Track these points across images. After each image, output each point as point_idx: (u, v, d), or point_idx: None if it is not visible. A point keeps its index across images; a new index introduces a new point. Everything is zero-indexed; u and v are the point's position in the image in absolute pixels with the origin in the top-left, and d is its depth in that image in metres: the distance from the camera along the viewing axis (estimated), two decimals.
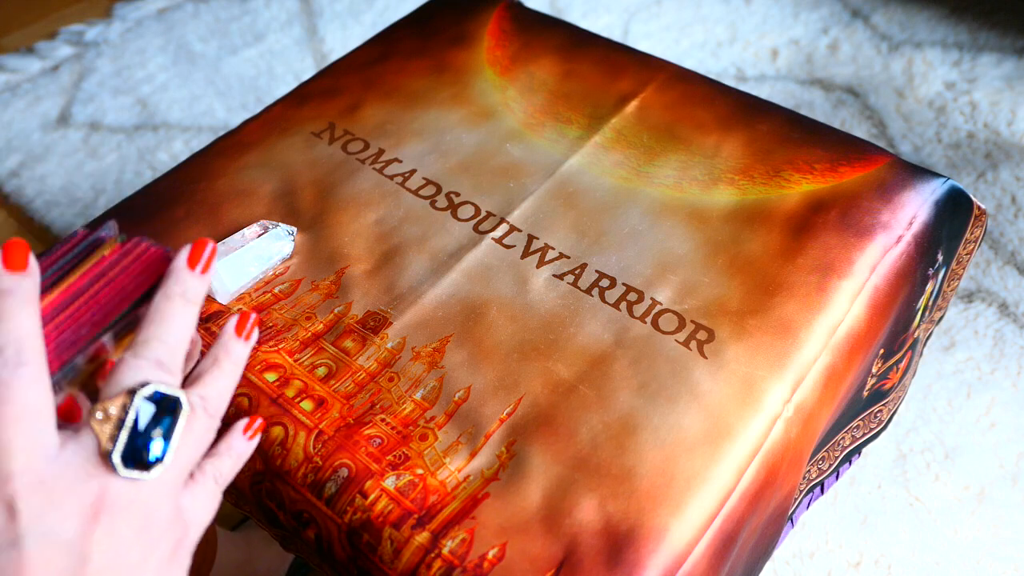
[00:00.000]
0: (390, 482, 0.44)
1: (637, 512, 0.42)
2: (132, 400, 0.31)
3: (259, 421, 0.40)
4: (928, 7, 1.35)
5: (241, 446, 0.39)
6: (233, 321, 0.37)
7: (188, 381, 0.35)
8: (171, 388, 0.32)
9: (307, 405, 0.48)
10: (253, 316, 0.38)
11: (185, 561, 0.34)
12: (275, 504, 0.47)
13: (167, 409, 0.32)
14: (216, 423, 0.35)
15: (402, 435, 0.46)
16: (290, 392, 0.48)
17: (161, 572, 0.32)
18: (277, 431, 0.47)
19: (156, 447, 0.31)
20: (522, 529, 0.42)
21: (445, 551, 0.41)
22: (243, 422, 0.39)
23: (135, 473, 0.31)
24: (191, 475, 0.35)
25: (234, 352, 0.37)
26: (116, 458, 0.30)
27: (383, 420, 0.47)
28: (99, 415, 0.31)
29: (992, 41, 1.28)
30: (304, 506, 0.45)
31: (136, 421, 0.31)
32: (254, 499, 0.48)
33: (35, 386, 0.29)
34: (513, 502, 0.43)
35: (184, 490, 0.34)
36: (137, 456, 0.31)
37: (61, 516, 0.29)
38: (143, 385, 0.31)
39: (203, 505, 0.35)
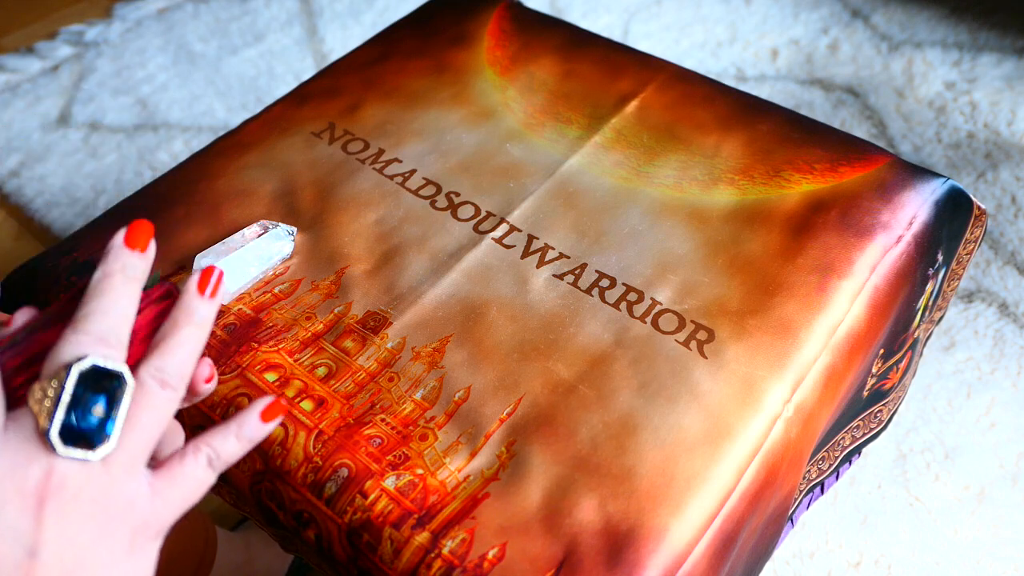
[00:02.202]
0: (390, 482, 0.44)
1: (637, 512, 0.42)
2: (67, 374, 0.29)
3: (280, 405, 0.36)
4: (928, 7, 1.35)
5: (253, 430, 0.35)
6: (195, 278, 0.34)
7: (147, 350, 0.33)
8: (111, 362, 0.30)
9: (307, 405, 0.48)
10: (217, 271, 0.34)
11: (151, 549, 0.31)
12: (275, 504, 0.47)
13: (107, 384, 0.30)
14: (178, 395, 0.32)
15: (402, 435, 0.46)
16: (290, 392, 0.48)
17: (120, 561, 0.29)
18: (277, 431, 0.47)
19: (98, 421, 0.29)
20: (522, 529, 0.42)
21: (445, 551, 0.41)
22: (262, 403, 0.35)
23: (77, 452, 0.28)
24: (178, 453, 0.33)
25: (197, 312, 0.33)
26: (54, 435, 0.28)
27: (383, 420, 0.47)
28: (37, 394, 0.29)
29: (992, 41, 1.28)
30: (304, 506, 0.45)
31: (73, 397, 0.29)
32: (254, 499, 0.48)
33: None
34: (513, 502, 0.43)
35: (160, 470, 0.32)
36: (77, 434, 0.28)
37: (1, 503, 0.27)
38: (79, 359, 0.29)
39: (184, 488, 0.32)
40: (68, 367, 0.29)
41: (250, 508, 0.49)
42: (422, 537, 0.42)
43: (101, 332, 0.30)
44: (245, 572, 0.71)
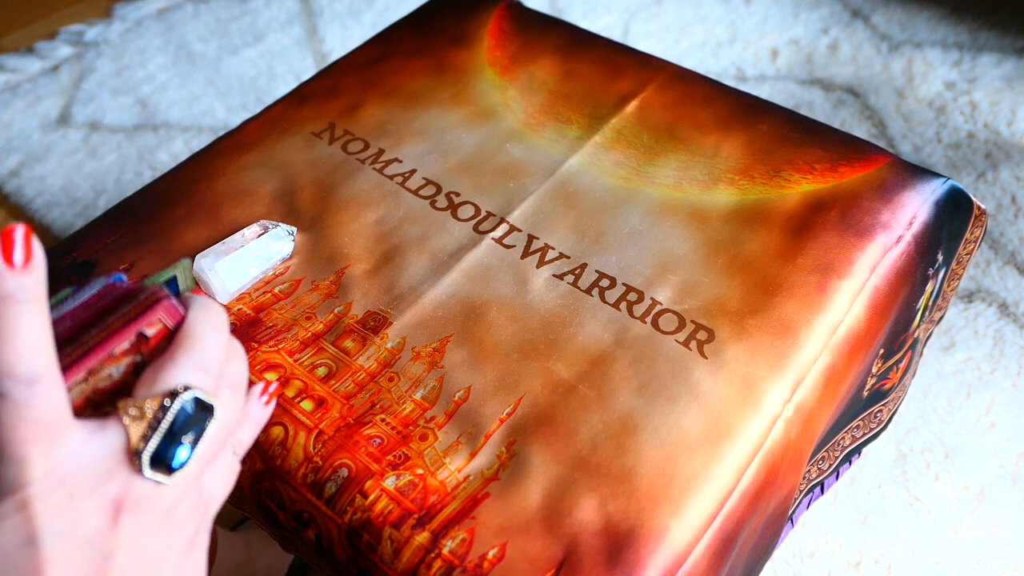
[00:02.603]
0: (390, 482, 0.44)
1: (637, 512, 0.42)
2: (172, 403, 0.30)
3: (275, 385, 0.39)
4: (928, 7, 1.35)
5: (259, 412, 0.38)
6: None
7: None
8: (209, 395, 0.32)
9: (307, 405, 0.48)
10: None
11: (204, 541, 0.33)
12: (275, 504, 0.47)
13: (200, 417, 0.31)
14: (241, 399, 0.35)
15: (402, 435, 0.46)
16: (290, 392, 0.48)
17: (182, 559, 0.32)
18: (277, 431, 0.47)
19: (182, 453, 0.31)
20: (522, 529, 0.42)
21: (445, 551, 0.41)
22: (259, 387, 0.38)
23: (159, 476, 0.30)
24: None
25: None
26: (145, 459, 0.30)
27: (383, 420, 0.47)
28: (133, 411, 0.30)
29: (992, 41, 1.28)
30: (304, 506, 0.45)
31: (172, 424, 0.30)
32: (254, 499, 0.48)
33: (51, 396, 0.28)
34: (513, 502, 0.43)
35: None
36: (163, 459, 0.30)
37: (82, 513, 0.28)
38: (185, 389, 0.31)
39: (222, 479, 0.35)
40: (173, 395, 0.30)
41: (250, 508, 0.49)
42: (422, 537, 0.42)
43: (203, 362, 0.32)
44: (245, 572, 0.71)
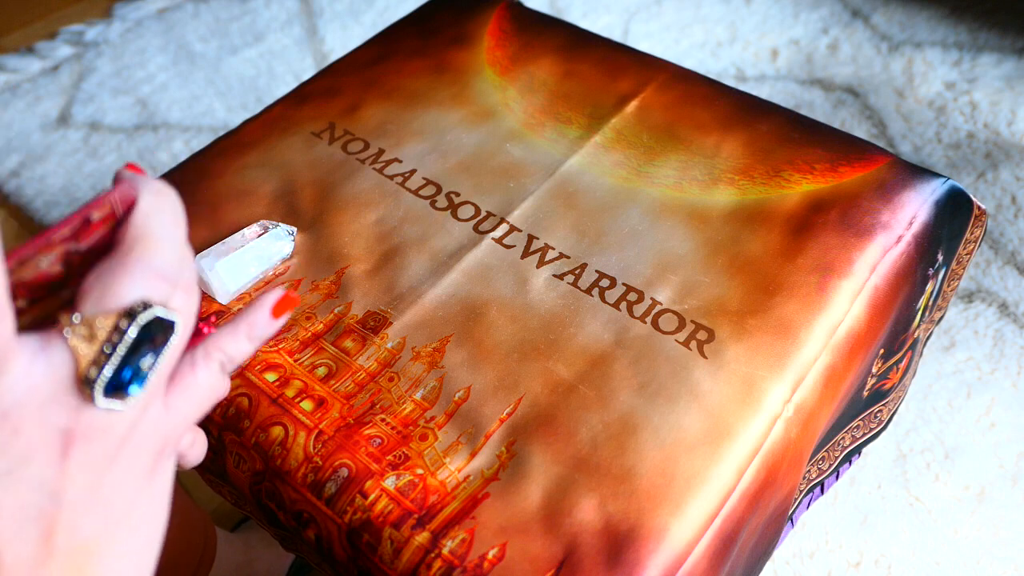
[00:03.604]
0: (390, 482, 0.44)
1: (637, 512, 0.42)
2: (129, 325, 0.25)
3: (291, 298, 0.33)
4: (928, 7, 1.35)
5: (264, 328, 0.32)
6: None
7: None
8: (170, 311, 0.26)
9: (307, 405, 0.48)
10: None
11: (168, 467, 0.29)
12: (275, 504, 0.47)
13: (160, 335, 0.26)
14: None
15: (402, 435, 0.46)
16: (290, 392, 0.48)
17: (141, 490, 0.28)
18: (277, 431, 0.47)
19: (140, 378, 0.26)
20: (522, 529, 0.42)
21: (445, 551, 0.41)
22: (272, 297, 0.32)
23: (114, 404, 0.26)
24: (188, 362, 0.30)
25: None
26: (99, 388, 0.25)
27: (383, 420, 0.47)
28: (82, 331, 0.25)
29: (992, 41, 1.28)
30: (304, 506, 0.45)
31: (129, 349, 0.25)
32: (254, 499, 0.48)
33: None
34: (513, 502, 0.43)
35: (172, 384, 0.29)
36: (118, 386, 0.25)
37: (26, 450, 0.24)
38: (144, 307, 0.25)
39: (199, 399, 0.30)
40: (130, 315, 0.25)
41: (250, 508, 0.49)
42: (422, 537, 0.42)
43: (161, 267, 0.27)
44: (245, 572, 0.71)
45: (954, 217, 0.58)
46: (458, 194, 0.59)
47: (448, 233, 0.56)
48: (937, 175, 0.58)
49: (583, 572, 0.40)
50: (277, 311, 0.33)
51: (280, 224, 0.56)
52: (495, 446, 0.45)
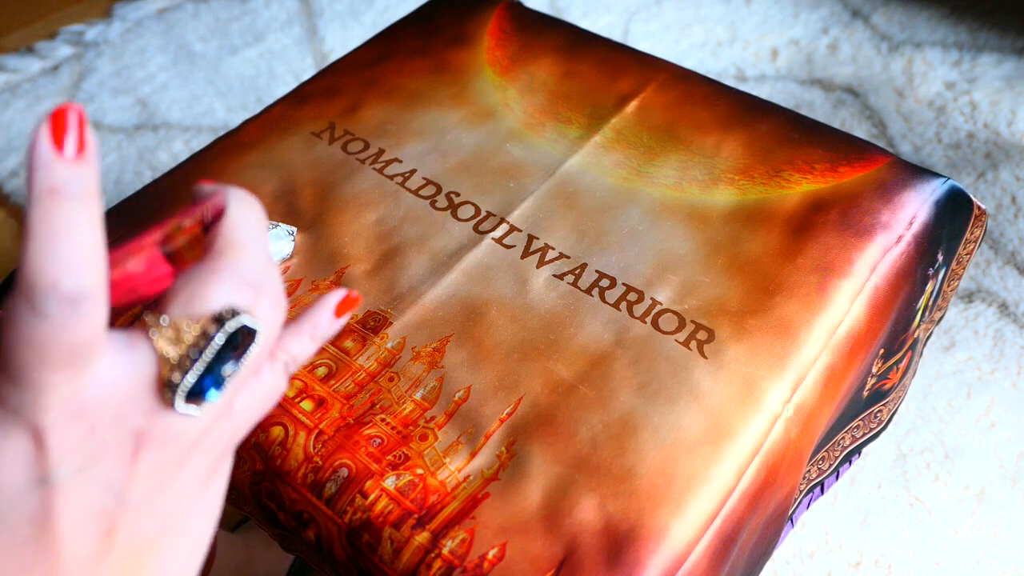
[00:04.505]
0: (390, 482, 0.44)
1: (637, 512, 0.42)
2: (217, 332, 0.25)
3: (352, 299, 0.33)
4: (928, 7, 1.35)
5: (327, 328, 0.32)
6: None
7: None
8: (255, 319, 0.26)
9: (307, 405, 0.48)
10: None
11: (226, 467, 0.29)
12: (275, 504, 0.47)
13: (244, 343, 0.26)
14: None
15: (402, 435, 0.46)
16: (290, 392, 0.48)
17: (201, 488, 0.28)
18: (277, 431, 0.47)
19: (220, 386, 0.26)
20: (522, 529, 0.42)
21: (445, 551, 0.41)
22: (335, 297, 0.33)
23: (191, 409, 0.25)
24: None
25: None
26: (179, 395, 0.25)
27: (383, 420, 0.47)
28: (169, 333, 0.24)
29: (992, 41, 1.28)
30: (304, 506, 0.45)
31: (215, 357, 0.25)
32: (254, 499, 0.48)
33: (95, 318, 0.22)
34: (513, 502, 0.43)
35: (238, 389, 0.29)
36: (198, 392, 0.25)
37: (99, 449, 0.24)
38: (232, 314, 0.25)
39: (261, 401, 0.29)
40: (219, 322, 0.25)
41: (250, 508, 0.49)
42: (422, 537, 0.42)
43: (248, 275, 0.26)
44: (245, 572, 0.71)
45: (954, 217, 0.58)
46: (458, 194, 0.59)
47: (448, 233, 0.56)
48: (937, 175, 0.58)
49: (583, 572, 0.40)
50: (340, 311, 0.33)
51: (280, 224, 0.56)
52: (495, 446, 0.45)
